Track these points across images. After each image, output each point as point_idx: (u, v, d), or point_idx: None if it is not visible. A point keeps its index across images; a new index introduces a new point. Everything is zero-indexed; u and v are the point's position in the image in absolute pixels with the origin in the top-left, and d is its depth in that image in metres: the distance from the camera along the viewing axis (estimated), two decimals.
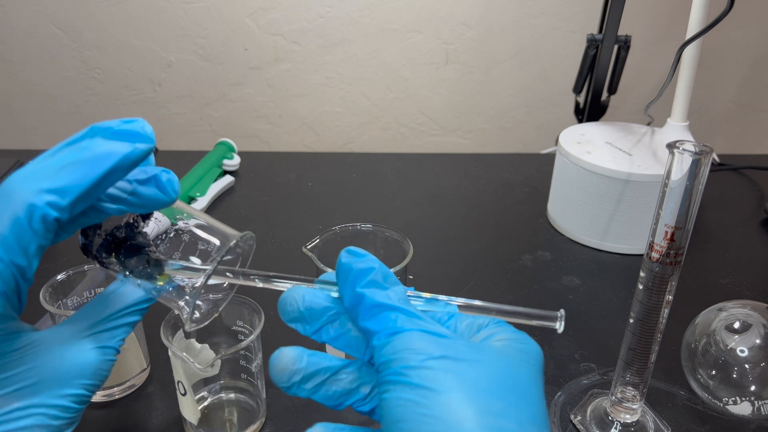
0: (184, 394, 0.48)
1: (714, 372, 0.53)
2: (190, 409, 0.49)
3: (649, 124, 0.86)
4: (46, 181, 0.26)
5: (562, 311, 0.32)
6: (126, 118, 0.29)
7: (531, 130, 1.33)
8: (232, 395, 0.53)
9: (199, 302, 0.35)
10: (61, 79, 1.25)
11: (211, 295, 0.37)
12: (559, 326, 0.32)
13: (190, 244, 0.34)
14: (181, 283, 0.34)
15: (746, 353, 0.52)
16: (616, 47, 0.93)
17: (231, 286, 0.38)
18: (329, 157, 1.04)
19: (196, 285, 0.33)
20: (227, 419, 0.52)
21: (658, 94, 0.76)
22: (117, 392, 0.55)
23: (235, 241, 0.34)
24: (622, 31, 0.90)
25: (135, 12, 1.19)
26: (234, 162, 0.95)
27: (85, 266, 0.55)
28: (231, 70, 1.25)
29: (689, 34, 0.70)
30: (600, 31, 0.95)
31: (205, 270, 0.33)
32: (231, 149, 0.96)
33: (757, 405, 0.52)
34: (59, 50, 1.22)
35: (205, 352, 0.48)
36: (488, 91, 1.28)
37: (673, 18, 1.20)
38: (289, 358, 0.31)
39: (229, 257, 0.35)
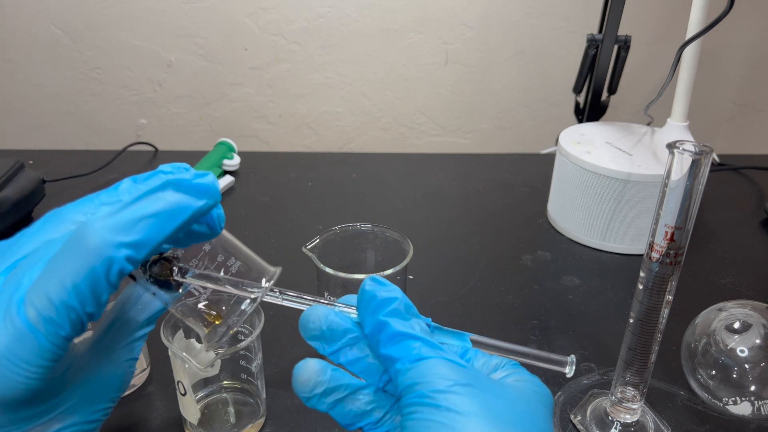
0: (184, 394, 0.48)
1: (714, 372, 0.53)
2: (190, 409, 0.49)
3: (649, 124, 0.86)
4: (124, 235, 0.26)
5: (573, 357, 0.33)
6: (198, 171, 0.29)
7: (531, 130, 1.33)
8: (232, 395, 0.53)
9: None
10: (61, 79, 1.25)
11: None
12: (569, 371, 0.33)
13: (218, 263, 0.34)
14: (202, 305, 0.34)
15: (746, 353, 0.52)
16: (616, 47, 0.93)
17: (244, 311, 0.38)
18: (329, 157, 1.04)
19: (234, 320, 0.34)
20: (227, 419, 0.52)
21: (658, 94, 0.76)
22: None
23: (273, 280, 0.34)
24: (622, 31, 0.90)
25: (135, 12, 1.19)
26: (234, 162, 0.95)
27: None
28: (231, 70, 1.25)
29: (689, 34, 0.70)
30: (600, 31, 0.95)
31: (243, 298, 0.33)
32: (231, 149, 0.96)
33: (757, 405, 0.52)
34: (59, 50, 1.22)
35: (205, 352, 0.48)
36: (488, 91, 1.28)
37: (673, 18, 1.20)
38: (314, 369, 0.32)
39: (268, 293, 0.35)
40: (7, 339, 0.25)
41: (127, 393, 0.55)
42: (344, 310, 0.33)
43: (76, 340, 0.29)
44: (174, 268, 0.33)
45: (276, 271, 0.34)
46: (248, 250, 0.35)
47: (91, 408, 0.31)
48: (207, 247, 0.34)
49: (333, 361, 0.33)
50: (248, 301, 0.33)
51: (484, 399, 0.29)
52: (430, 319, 0.34)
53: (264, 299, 0.34)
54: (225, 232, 0.35)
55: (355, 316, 0.33)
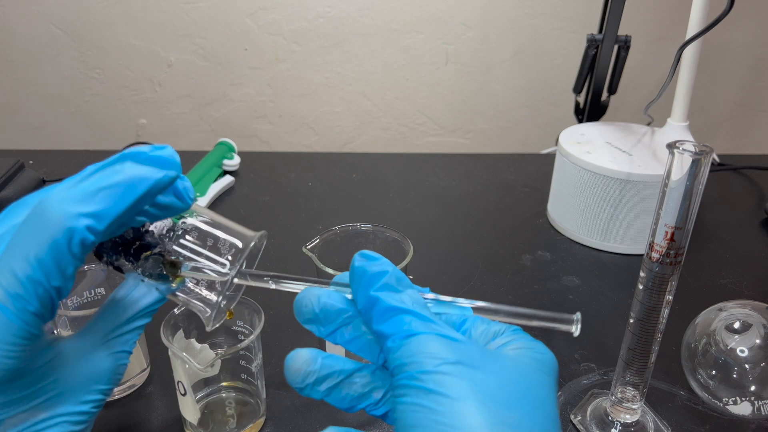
0: (184, 394, 0.48)
1: (714, 372, 0.53)
2: (190, 409, 0.49)
3: (649, 124, 0.86)
4: (83, 205, 0.26)
5: (578, 314, 0.31)
6: (155, 144, 0.29)
7: (531, 130, 1.33)
8: (232, 395, 0.53)
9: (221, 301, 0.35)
10: (61, 79, 1.25)
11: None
12: (575, 329, 0.31)
13: (202, 242, 0.34)
14: (195, 286, 0.34)
15: (746, 353, 0.52)
16: (616, 47, 0.93)
17: (240, 285, 0.38)
18: (329, 157, 1.04)
19: (222, 286, 0.33)
20: (227, 419, 0.52)
21: (658, 94, 0.76)
22: (117, 392, 0.55)
23: (254, 243, 0.34)
24: (622, 31, 0.90)
25: (135, 12, 1.19)
26: (234, 162, 0.95)
27: (85, 266, 0.55)
28: (231, 70, 1.25)
29: (689, 34, 0.70)
30: (600, 31, 0.95)
31: (222, 271, 0.33)
32: (231, 149, 0.96)
33: (757, 405, 0.52)
34: (59, 50, 1.22)
35: (205, 352, 0.48)
36: (488, 91, 1.28)
37: (673, 18, 1.20)
38: (303, 359, 0.31)
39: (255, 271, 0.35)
40: None
41: (127, 393, 0.55)
42: (339, 289, 0.32)
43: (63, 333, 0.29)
44: (165, 261, 0.33)
45: (255, 236, 0.34)
46: (229, 223, 0.35)
47: (78, 398, 0.31)
48: (180, 229, 0.34)
49: (332, 342, 0.33)
50: (232, 275, 0.33)
51: (475, 378, 0.27)
52: (428, 288, 0.33)
53: (255, 285, 0.33)
54: (202, 208, 0.35)
55: (350, 295, 0.32)
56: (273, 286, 0.33)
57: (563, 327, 0.31)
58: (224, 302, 0.35)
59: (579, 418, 0.53)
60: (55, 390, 0.30)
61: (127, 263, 0.33)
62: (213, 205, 0.87)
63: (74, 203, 0.26)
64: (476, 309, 0.32)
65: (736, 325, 0.53)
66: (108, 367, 0.32)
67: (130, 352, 0.34)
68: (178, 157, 0.30)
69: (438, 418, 0.26)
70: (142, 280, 0.34)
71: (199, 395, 0.53)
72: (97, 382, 0.31)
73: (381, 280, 0.30)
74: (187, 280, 0.34)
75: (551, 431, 0.27)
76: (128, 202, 0.28)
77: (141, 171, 0.28)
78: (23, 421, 0.29)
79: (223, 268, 0.33)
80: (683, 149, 0.40)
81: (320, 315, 0.32)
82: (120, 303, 0.34)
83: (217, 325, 0.36)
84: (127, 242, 0.33)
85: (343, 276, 0.33)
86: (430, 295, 0.32)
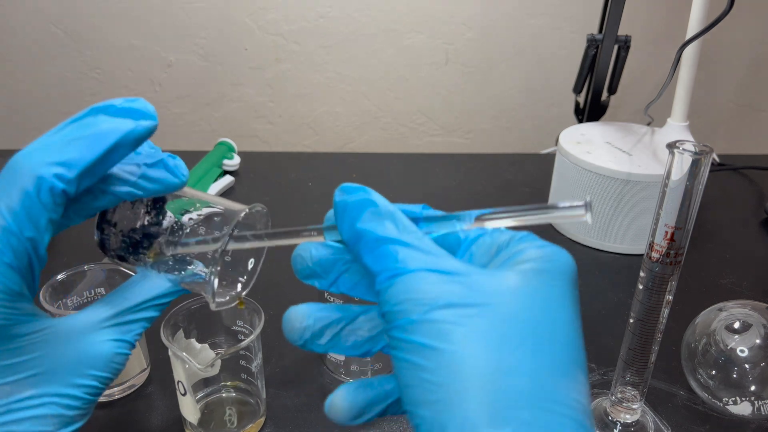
0: (184, 394, 0.48)
1: (714, 372, 0.53)
2: (190, 409, 0.48)
3: (649, 124, 0.86)
4: (53, 155, 0.27)
5: (589, 197, 0.26)
6: (127, 97, 0.29)
7: (531, 130, 1.33)
8: (232, 395, 0.53)
9: (220, 280, 0.35)
10: (61, 79, 1.25)
11: (230, 275, 0.37)
12: (588, 217, 0.26)
13: (203, 226, 0.34)
14: (203, 270, 0.34)
15: (746, 353, 0.52)
16: (616, 47, 0.93)
17: (253, 269, 0.37)
18: (329, 157, 1.04)
19: (215, 253, 0.32)
20: (227, 419, 0.52)
21: (658, 94, 0.76)
22: (117, 392, 0.55)
23: (245, 211, 0.33)
24: (622, 31, 0.90)
25: (135, 12, 1.19)
26: (234, 162, 0.95)
27: (85, 266, 0.55)
28: (231, 70, 1.25)
29: (689, 34, 0.70)
30: (600, 31, 0.94)
31: (219, 239, 0.32)
32: (231, 149, 0.96)
33: (757, 405, 0.52)
34: (59, 50, 1.22)
35: (205, 352, 0.48)
36: (488, 91, 1.28)
37: (673, 18, 1.20)
38: (296, 316, 0.30)
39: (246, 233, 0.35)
40: None
41: (127, 393, 0.55)
42: (334, 233, 0.30)
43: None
44: (153, 220, 0.33)
45: (244, 209, 0.34)
46: (220, 199, 0.35)
47: (69, 380, 0.30)
48: (185, 218, 0.33)
49: (335, 292, 0.31)
50: (225, 240, 0.32)
51: (467, 321, 0.23)
52: (422, 206, 0.29)
53: (251, 247, 0.33)
54: (194, 191, 0.35)
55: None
56: (268, 243, 0.32)
57: (575, 216, 0.26)
58: (228, 281, 0.35)
59: None
60: (43, 366, 0.29)
61: (129, 252, 0.33)
62: None
63: (44, 154, 0.27)
64: (478, 219, 0.28)
65: (736, 325, 0.53)
66: (105, 353, 0.31)
67: (132, 345, 0.32)
68: (151, 108, 0.29)
69: (425, 375, 0.23)
70: (145, 266, 0.34)
71: (199, 395, 0.53)
72: (92, 366, 0.30)
73: (363, 211, 0.27)
74: (189, 265, 0.34)
75: (563, 362, 0.24)
76: (99, 151, 0.27)
77: (112, 123, 0.28)
78: (8, 395, 0.28)
79: (217, 242, 0.32)
80: (683, 149, 0.40)
81: (316, 269, 0.31)
82: (125, 290, 0.33)
83: (224, 308, 0.35)
84: (132, 228, 0.33)
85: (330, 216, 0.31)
86: (426, 214, 0.29)
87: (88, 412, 0.31)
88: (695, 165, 0.39)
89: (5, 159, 0.27)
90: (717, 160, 1.02)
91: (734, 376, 0.52)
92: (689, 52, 0.72)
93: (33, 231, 0.27)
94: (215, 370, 0.49)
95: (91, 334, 0.31)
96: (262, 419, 0.52)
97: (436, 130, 1.33)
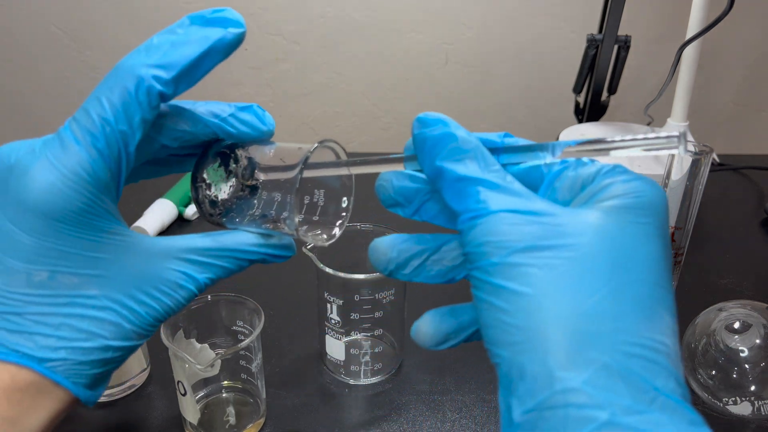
0: (184, 394, 0.48)
1: (714, 372, 0.53)
2: (190, 409, 0.49)
3: (649, 124, 0.86)
4: (153, 58, 0.29)
5: (684, 128, 0.25)
6: (216, 8, 0.31)
7: (531, 130, 1.33)
8: (232, 395, 0.53)
9: (317, 222, 0.34)
10: (61, 79, 1.25)
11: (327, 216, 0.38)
12: (682, 149, 0.24)
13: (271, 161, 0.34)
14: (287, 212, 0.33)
15: (746, 353, 0.52)
16: (616, 47, 0.93)
17: (345, 209, 0.38)
18: None
19: (296, 179, 0.32)
20: (227, 419, 0.52)
21: (658, 94, 0.76)
22: (117, 392, 0.55)
23: (315, 146, 0.33)
24: (622, 31, 0.90)
25: (135, 12, 1.19)
26: None
27: None
28: (231, 70, 1.25)
29: (689, 34, 0.70)
30: (600, 31, 0.95)
31: (295, 166, 0.32)
32: None
33: (757, 405, 0.52)
34: (59, 50, 1.22)
35: (205, 352, 0.48)
36: (488, 91, 1.28)
37: (673, 18, 1.20)
38: (381, 248, 0.30)
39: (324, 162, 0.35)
40: (57, 150, 0.29)
41: (127, 393, 0.55)
42: (412, 165, 0.30)
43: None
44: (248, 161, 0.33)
45: (310, 147, 0.33)
46: (287, 145, 0.35)
47: (131, 293, 0.29)
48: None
49: (418, 220, 0.31)
50: (300, 166, 0.31)
51: (547, 263, 0.23)
52: (504, 134, 0.29)
53: (331, 174, 0.34)
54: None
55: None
56: (347, 172, 0.33)
57: (668, 149, 0.24)
58: (324, 222, 0.35)
59: None
60: (112, 271, 0.29)
61: (231, 201, 0.33)
62: None
63: (145, 57, 0.29)
64: (563, 151, 0.27)
65: (736, 325, 0.53)
66: (171, 280, 0.30)
67: (201, 287, 0.31)
68: (240, 17, 0.31)
69: (504, 317, 0.24)
70: (238, 225, 0.33)
71: (199, 395, 0.53)
72: (156, 288, 0.30)
73: (444, 145, 0.27)
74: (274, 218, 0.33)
75: (647, 301, 0.23)
76: (194, 55, 0.29)
77: (204, 31, 0.30)
78: (74, 288, 0.28)
79: (294, 169, 0.32)
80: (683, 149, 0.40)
81: (398, 198, 0.31)
82: (213, 236, 0.32)
83: (313, 244, 0.34)
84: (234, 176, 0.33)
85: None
86: (507, 143, 0.28)
87: (145, 334, 0.30)
88: (695, 165, 0.39)
89: None
90: (717, 160, 1.02)
91: (734, 376, 0.52)
92: (689, 52, 0.72)
93: (126, 125, 0.28)
94: (215, 370, 0.50)
95: (165, 259, 0.30)
96: (262, 419, 0.52)
97: None
